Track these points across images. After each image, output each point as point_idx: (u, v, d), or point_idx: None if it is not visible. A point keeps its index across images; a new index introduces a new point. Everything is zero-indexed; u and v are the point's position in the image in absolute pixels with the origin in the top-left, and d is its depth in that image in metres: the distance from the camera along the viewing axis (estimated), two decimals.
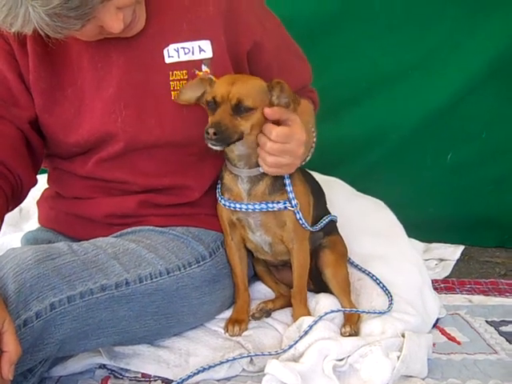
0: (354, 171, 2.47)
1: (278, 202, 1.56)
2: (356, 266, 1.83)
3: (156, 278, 1.46)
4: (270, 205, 1.56)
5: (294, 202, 1.56)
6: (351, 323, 1.59)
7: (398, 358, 1.46)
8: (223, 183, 1.61)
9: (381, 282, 1.74)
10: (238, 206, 1.57)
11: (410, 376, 1.49)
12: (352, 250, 1.83)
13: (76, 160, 1.64)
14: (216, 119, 1.42)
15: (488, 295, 2.02)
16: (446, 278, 2.17)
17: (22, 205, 1.61)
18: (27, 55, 1.52)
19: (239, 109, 1.43)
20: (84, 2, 1.25)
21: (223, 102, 1.43)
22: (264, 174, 1.54)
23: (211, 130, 1.39)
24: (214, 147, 1.43)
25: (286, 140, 1.45)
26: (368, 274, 1.79)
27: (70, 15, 1.26)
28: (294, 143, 1.45)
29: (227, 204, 1.59)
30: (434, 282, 2.01)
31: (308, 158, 1.62)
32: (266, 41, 1.63)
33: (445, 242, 2.44)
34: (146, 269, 1.45)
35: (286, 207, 1.56)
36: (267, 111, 1.43)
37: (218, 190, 1.63)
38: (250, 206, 1.56)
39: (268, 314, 1.69)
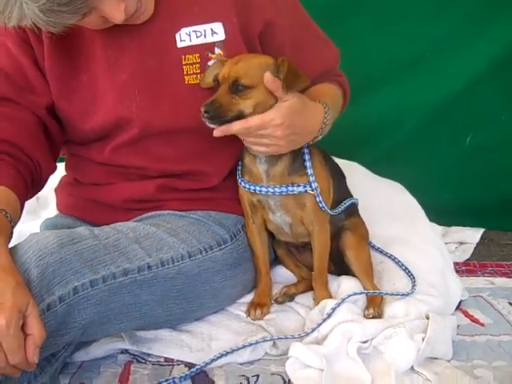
0: (371, 155, 2.44)
1: (298, 185, 1.54)
2: (377, 249, 1.81)
3: (178, 261, 1.45)
4: (290, 188, 1.55)
5: (314, 185, 1.54)
6: (374, 305, 1.57)
7: (423, 339, 1.44)
8: (244, 164, 1.60)
9: (403, 265, 1.72)
10: (257, 188, 1.56)
11: (435, 358, 1.47)
12: (373, 233, 1.81)
13: (93, 146, 1.63)
14: (212, 98, 1.42)
15: (510, 277, 2.00)
16: (467, 260, 2.15)
17: (40, 193, 1.61)
18: (42, 42, 1.51)
19: (236, 87, 1.43)
20: None
21: (224, 81, 1.44)
22: (282, 155, 1.53)
23: (202, 109, 1.40)
24: (211, 125, 1.44)
25: (260, 127, 1.43)
26: (390, 257, 1.77)
27: (63, 10, 1.25)
28: (271, 127, 1.43)
29: (247, 186, 1.58)
30: (455, 264, 1.98)
31: (317, 139, 1.58)
32: (279, 20, 1.60)
33: (464, 226, 2.41)
34: (167, 253, 1.44)
35: (306, 190, 1.55)
36: (268, 76, 1.40)
37: (239, 172, 1.62)
38: (270, 189, 1.55)
39: (291, 298, 1.68)
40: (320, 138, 1.57)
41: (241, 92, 1.43)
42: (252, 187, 1.57)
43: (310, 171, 1.54)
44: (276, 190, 1.55)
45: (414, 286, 1.63)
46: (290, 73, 1.43)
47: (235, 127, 1.44)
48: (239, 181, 1.61)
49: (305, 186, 1.54)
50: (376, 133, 2.49)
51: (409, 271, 1.70)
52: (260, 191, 1.56)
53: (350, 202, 1.71)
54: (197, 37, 1.53)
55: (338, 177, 1.72)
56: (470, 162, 2.47)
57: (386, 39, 2.39)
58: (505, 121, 2.42)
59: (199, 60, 1.53)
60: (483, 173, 2.45)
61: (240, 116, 1.43)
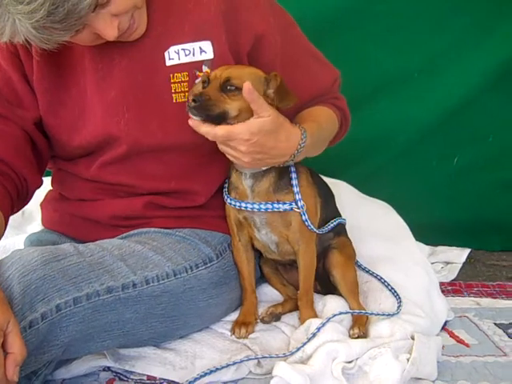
0: (359, 174, 2.45)
1: (284, 203, 1.54)
2: (364, 269, 1.81)
3: (163, 279, 1.44)
4: (276, 205, 1.54)
5: (300, 204, 1.54)
6: (359, 325, 1.56)
7: (408, 360, 1.43)
8: (230, 181, 1.60)
9: (389, 285, 1.72)
10: (243, 205, 1.56)
11: (420, 378, 1.46)
12: (359, 253, 1.81)
13: (80, 162, 1.63)
14: (202, 90, 1.43)
15: (496, 298, 2.00)
16: (453, 280, 2.15)
17: (25, 207, 1.60)
18: (32, 56, 1.51)
19: (226, 86, 1.43)
20: (69, 15, 1.24)
21: (215, 79, 1.44)
22: (267, 171, 1.53)
23: (190, 98, 1.40)
24: (194, 116, 1.42)
25: (226, 139, 1.42)
26: (376, 277, 1.77)
27: (56, 27, 1.26)
28: (236, 142, 1.41)
29: (233, 203, 1.58)
30: (441, 284, 1.98)
31: (287, 163, 1.52)
32: (271, 36, 1.59)
33: (450, 246, 2.41)
34: (152, 270, 1.43)
35: (291, 208, 1.55)
36: (246, 85, 1.37)
37: (225, 189, 1.62)
38: (255, 206, 1.55)
39: (278, 317, 1.67)
40: (291, 163, 1.53)
41: (230, 92, 1.43)
42: (238, 203, 1.57)
43: (296, 189, 1.54)
44: (261, 206, 1.54)
45: (400, 306, 1.63)
46: (282, 88, 1.44)
47: (203, 128, 1.42)
48: (225, 197, 1.61)
49: (291, 204, 1.54)
50: (364, 152, 2.49)
51: (395, 291, 1.69)
52: (246, 207, 1.56)
53: (337, 222, 1.71)
54: (185, 55, 1.53)
55: (326, 196, 1.71)
56: (458, 181, 2.48)
57: (374, 59, 2.39)
58: (492, 141, 2.42)
59: (187, 78, 1.53)
60: (471, 193, 2.46)
61: (224, 116, 1.42)
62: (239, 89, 1.41)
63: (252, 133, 1.39)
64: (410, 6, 2.35)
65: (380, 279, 1.76)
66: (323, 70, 1.76)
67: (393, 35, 2.37)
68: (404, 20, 2.36)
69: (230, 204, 1.59)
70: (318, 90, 1.73)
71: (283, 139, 1.45)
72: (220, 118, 1.43)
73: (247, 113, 1.43)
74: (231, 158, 1.49)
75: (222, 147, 1.47)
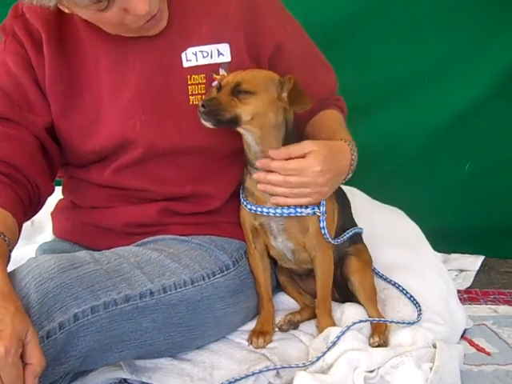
0: (369, 181, 2.40)
1: (307, 207, 1.51)
2: (381, 276, 1.77)
3: (180, 287, 1.41)
4: (299, 209, 1.51)
5: (322, 209, 1.51)
6: (379, 333, 1.53)
7: (431, 369, 1.40)
8: (245, 187, 1.57)
9: (408, 293, 1.68)
10: (265, 210, 1.52)
11: None
12: (375, 260, 1.77)
13: (93, 168, 1.60)
14: (212, 96, 1.43)
15: None
16: (469, 288, 2.13)
17: (35, 217, 1.57)
18: (43, 60, 1.49)
19: (238, 91, 1.42)
20: None
21: (226, 85, 1.44)
22: None
23: (200, 103, 1.40)
24: (205, 122, 1.42)
25: (298, 173, 1.44)
26: (394, 284, 1.73)
27: None
28: (311, 175, 1.43)
29: (253, 208, 1.54)
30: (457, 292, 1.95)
31: (349, 176, 1.59)
32: (288, 43, 1.60)
33: (463, 253, 2.39)
34: (170, 278, 1.40)
35: (314, 212, 1.51)
36: (272, 153, 1.44)
37: (243, 195, 1.58)
38: (277, 211, 1.51)
39: (296, 325, 1.64)
40: (351, 174, 1.58)
41: (241, 95, 1.42)
42: (259, 209, 1.53)
43: None
44: (284, 211, 1.51)
45: (420, 314, 1.59)
46: (295, 90, 1.43)
47: (274, 164, 1.45)
48: (243, 202, 1.57)
49: (313, 208, 1.51)
50: (374, 157, 2.44)
51: (414, 299, 1.66)
52: (268, 212, 1.52)
53: (353, 232, 1.67)
54: (203, 57, 1.52)
55: (344, 203, 1.68)
56: (469, 187, 2.45)
57: (383, 64, 2.38)
58: (504, 146, 2.40)
59: (205, 81, 1.52)
60: (484, 199, 2.44)
61: (236, 121, 1.42)
62: (251, 93, 1.41)
63: (321, 162, 1.43)
64: (419, 11, 2.34)
65: (398, 287, 1.72)
66: (327, 74, 1.77)
67: (401, 40, 2.36)
68: (412, 25, 2.35)
69: (250, 209, 1.54)
70: (325, 95, 1.75)
71: (340, 157, 1.52)
72: (232, 123, 1.43)
73: (262, 117, 1.43)
74: (309, 200, 1.49)
75: (300, 190, 1.47)
